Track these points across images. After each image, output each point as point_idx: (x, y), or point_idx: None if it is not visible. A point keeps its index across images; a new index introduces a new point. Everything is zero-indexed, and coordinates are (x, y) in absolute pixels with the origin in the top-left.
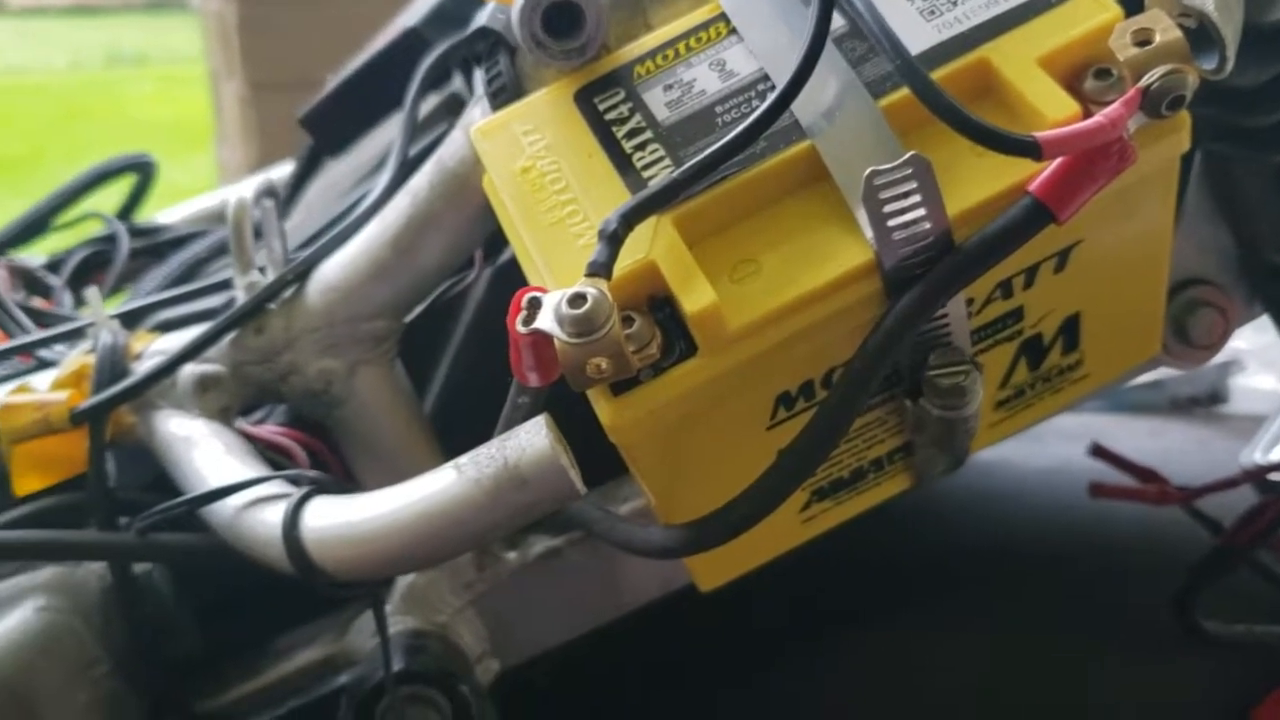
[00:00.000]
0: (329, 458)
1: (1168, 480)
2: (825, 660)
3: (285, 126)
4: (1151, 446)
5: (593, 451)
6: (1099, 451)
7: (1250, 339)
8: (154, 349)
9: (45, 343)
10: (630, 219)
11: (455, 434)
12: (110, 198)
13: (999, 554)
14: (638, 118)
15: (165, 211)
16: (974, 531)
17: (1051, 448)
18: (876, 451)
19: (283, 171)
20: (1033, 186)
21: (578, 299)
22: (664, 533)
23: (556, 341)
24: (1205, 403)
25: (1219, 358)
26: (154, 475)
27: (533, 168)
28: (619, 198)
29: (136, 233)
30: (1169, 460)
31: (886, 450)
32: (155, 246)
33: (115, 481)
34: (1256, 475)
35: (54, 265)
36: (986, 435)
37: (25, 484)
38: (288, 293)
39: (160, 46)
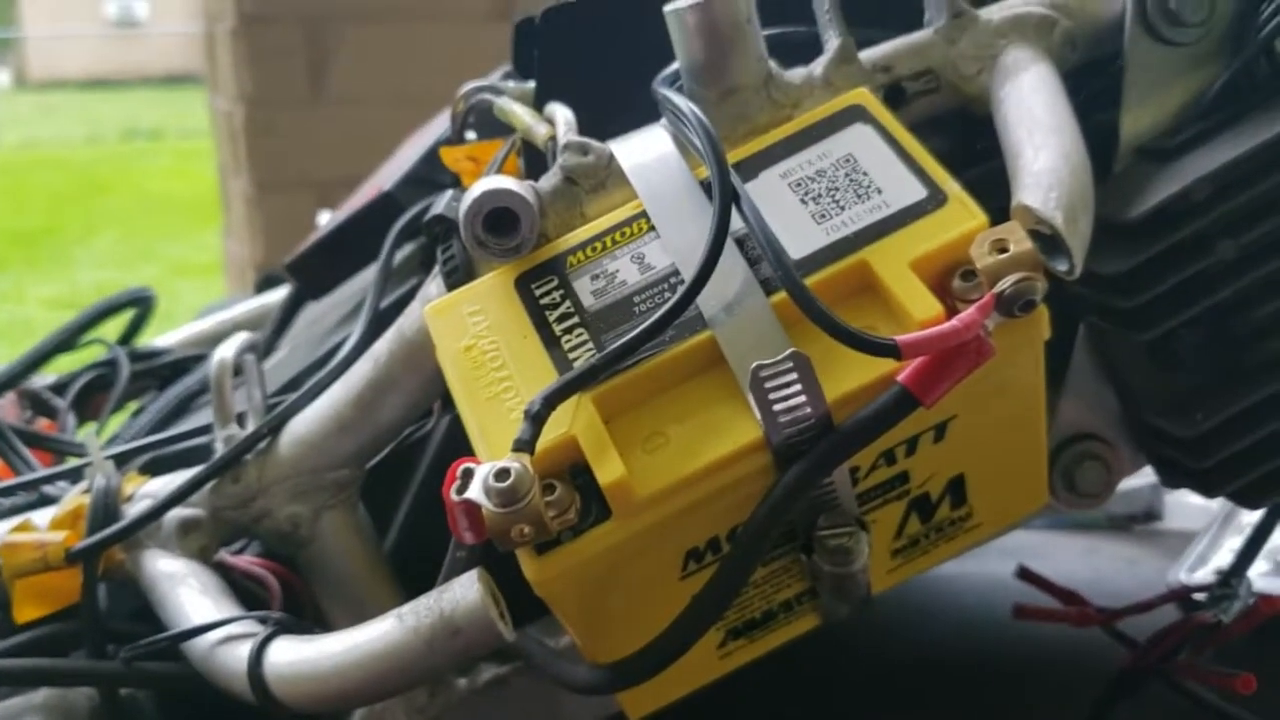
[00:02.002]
0: (299, 585)
1: (1089, 602)
2: None
3: (289, 225)
4: (1083, 565)
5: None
6: (1025, 574)
7: None
8: (143, 492)
9: (47, 480)
10: (552, 400)
11: (413, 567)
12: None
13: (926, 669)
14: (568, 304)
15: (165, 336)
16: (903, 646)
17: (988, 565)
18: (784, 595)
19: (274, 298)
20: (901, 377)
21: (503, 473)
22: (590, 671)
23: (484, 509)
24: (1140, 520)
25: (1152, 478)
26: (139, 604)
27: (475, 346)
28: (548, 376)
29: (136, 357)
30: (1100, 579)
31: (794, 593)
32: (153, 370)
33: (106, 610)
34: (1179, 595)
35: (59, 387)
36: (888, 579)
37: (24, 613)
38: (262, 445)
39: (176, 120)
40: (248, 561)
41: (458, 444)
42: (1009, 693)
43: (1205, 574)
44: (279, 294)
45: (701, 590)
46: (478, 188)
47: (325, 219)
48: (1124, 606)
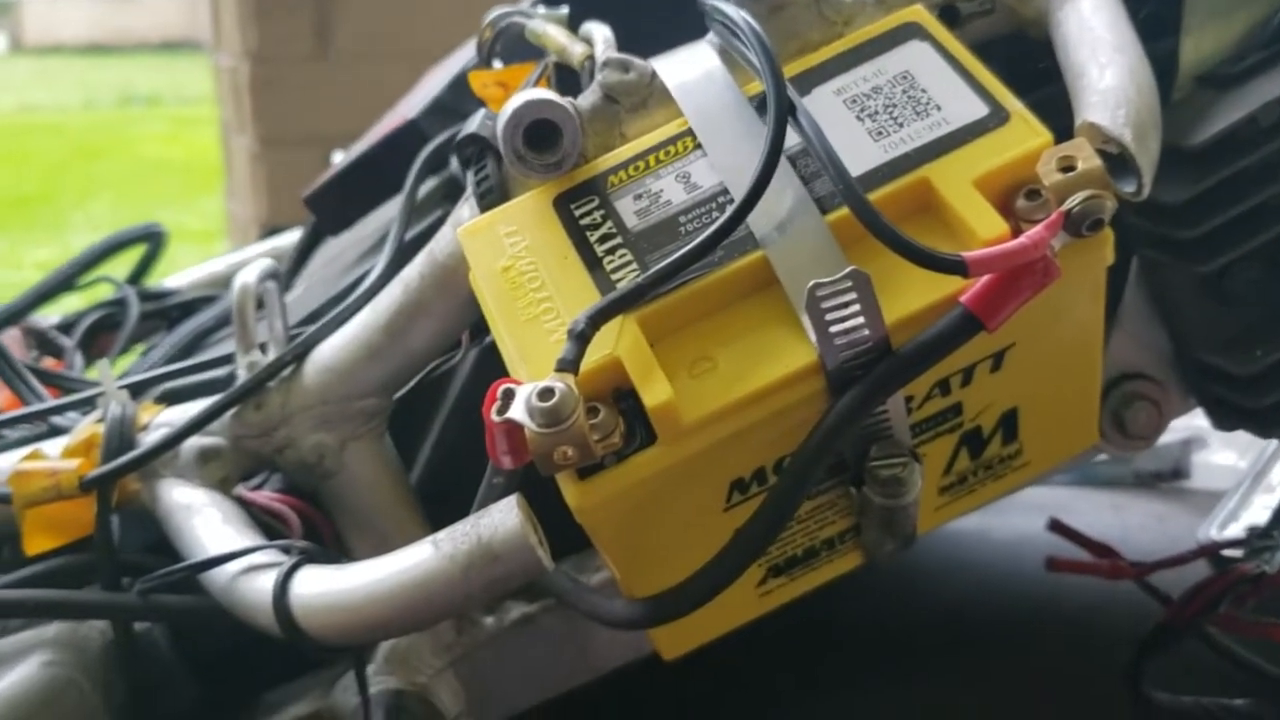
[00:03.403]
0: (320, 522)
1: (1122, 555)
2: None
3: (294, 182)
4: (1112, 521)
5: (566, 524)
6: (1056, 526)
7: None
8: (160, 421)
9: (58, 410)
10: (597, 320)
11: (439, 503)
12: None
13: (956, 624)
14: (609, 224)
15: (174, 276)
16: (933, 601)
17: (1017, 519)
18: (828, 532)
19: (285, 241)
20: (964, 298)
21: (546, 393)
22: (627, 606)
23: (527, 430)
24: (1168, 478)
25: (1182, 435)
26: (155, 538)
27: (513, 267)
28: (589, 298)
29: (146, 297)
30: (1129, 535)
31: (837, 531)
32: (163, 310)
33: (118, 543)
34: (1210, 551)
35: (66, 326)
36: (932, 518)
37: (35, 544)
38: (286, 372)
39: (173, 87)
40: (267, 497)
41: (486, 377)
42: (1040, 647)
43: (1237, 530)
44: (293, 235)
45: (748, 521)
46: (517, 99)
47: (339, 159)
48: (1157, 560)
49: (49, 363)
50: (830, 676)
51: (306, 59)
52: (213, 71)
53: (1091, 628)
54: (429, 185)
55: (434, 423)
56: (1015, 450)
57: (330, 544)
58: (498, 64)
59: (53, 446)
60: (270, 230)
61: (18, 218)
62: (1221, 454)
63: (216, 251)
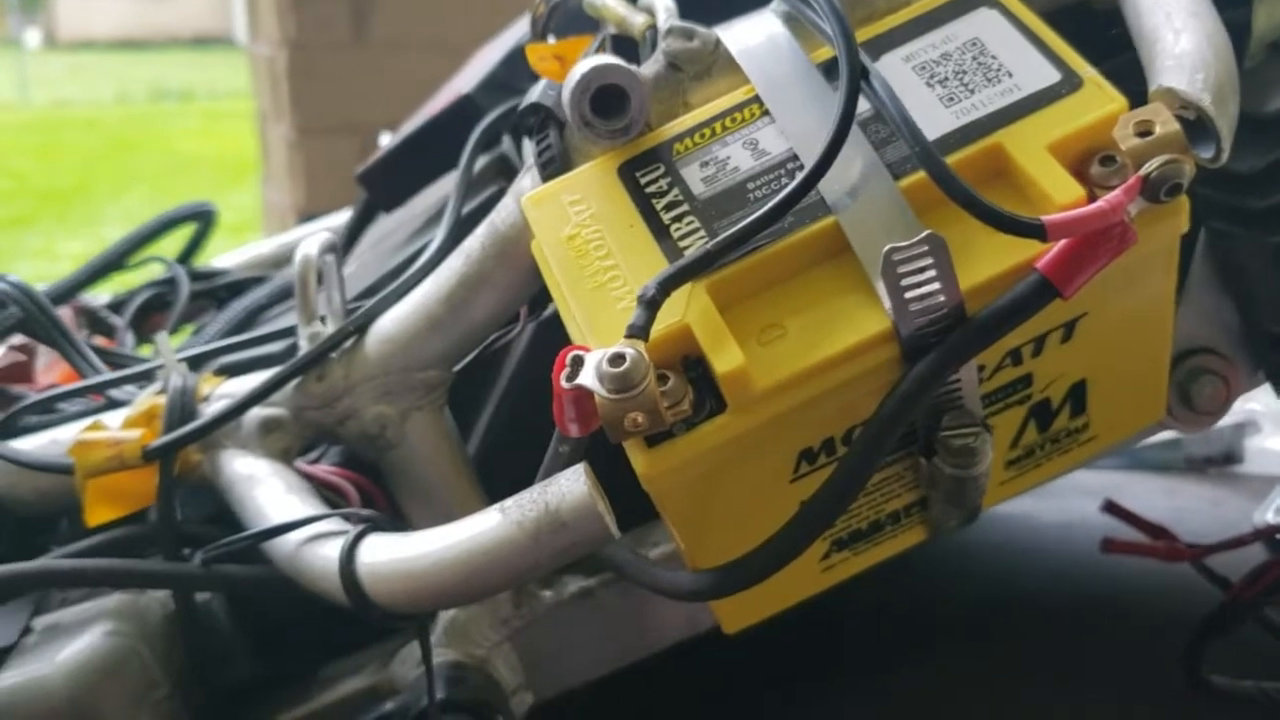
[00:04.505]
0: (377, 496)
1: (1178, 537)
2: (842, 704)
3: (331, 170)
4: (1165, 505)
5: (624, 499)
6: (1112, 508)
7: (1266, 402)
8: (221, 392)
9: (117, 383)
10: (667, 286)
11: (496, 476)
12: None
13: (1014, 606)
14: (676, 191)
15: (222, 256)
16: (988, 583)
17: (1067, 502)
18: (893, 505)
19: (331, 222)
20: (1040, 264)
21: (617, 358)
22: (692, 577)
23: (596, 396)
24: (1220, 463)
25: (1234, 419)
26: (212, 510)
27: (578, 235)
28: (657, 265)
29: (196, 276)
30: (1181, 518)
31: (903, 504)
32: (212, 290)
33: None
34: (1267, 534)
35: (116, 305)
36: (998, 492)
37: (97, 515)
38: (348, 343)
39: (204, 82)
40: (325, 470)
41: (543, 351)
42: (1095, 628)
43: None
44: (342, 216)
45: (820, 488)
46: (584, 65)
47: (387, 140)
48: (1215, 543)
49: (99, 340)
50: (882, 658)
51: (343, 47)
52: (249, 60)
53: (1145, 611)
54: (481, 162)
55: (490, 396)
56: (1083, 423)
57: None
58: (551, 39)
59: (112, 418)
60: (306, 217)
61: (53, 211)
62: (1275, 439)
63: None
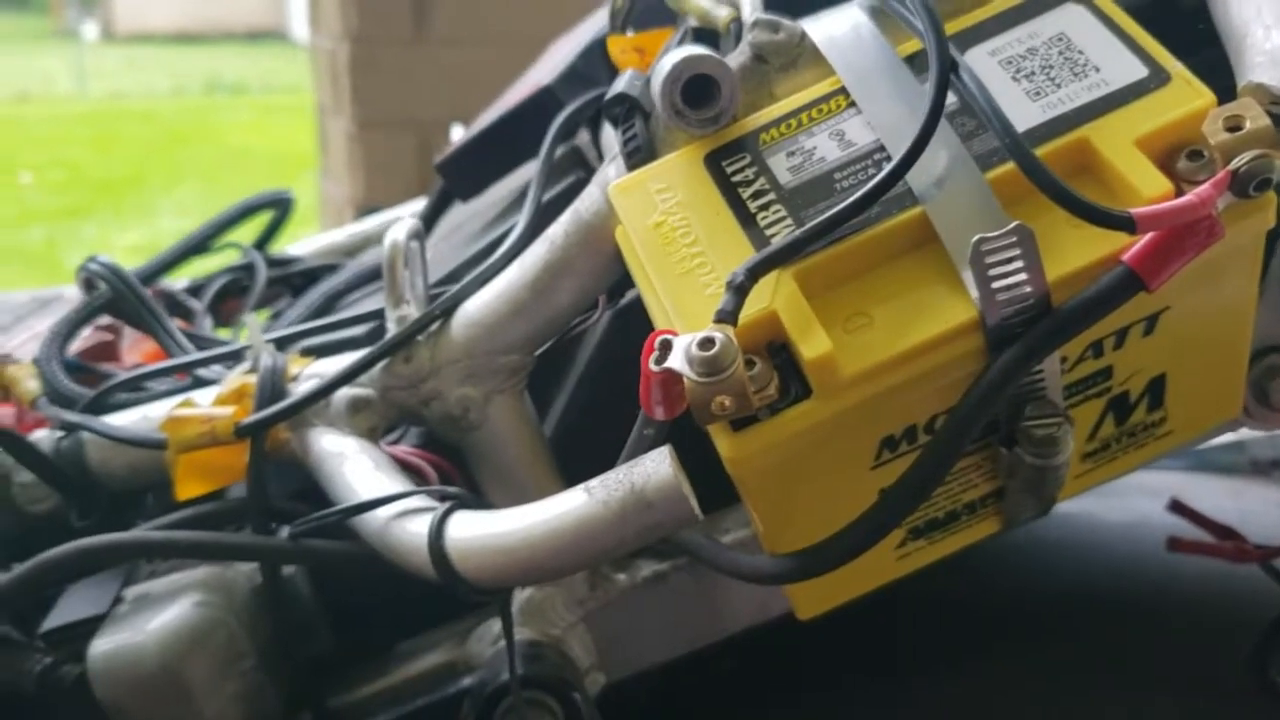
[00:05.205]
0: (456, 477)
1: (1246, 538)
2: (901, 698)
3: (389, 164)
4: (1230, 506)
5: (698, 487)
6: (1178, 508)
7: None
8: (310, 372)
9: (205, 362)
10: (756, 272)
11: (572, 459)
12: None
13: (1076, 604)
14: (762, 180)
15: (296, 244)
16: (1053, 581)
17: (1132, 502)
18: (970, 495)
19: (394, 214)
20: (1126, 257)
21: (707, 342)
22: (772, 561)
23: (685, 380)
24: None
25: None
26: (297, 487)
27: (665, 223)
28: (744, 252)
29: (272, 263)
30: (1247, 520)
31: (980, 495)
32: (287, 277)
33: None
34: None
35: (194, 290)
36: (1073, 485)
37: (188, 489)
38: (434, 326)
39: (258, 75)
40: (405, 451)
41: (621, 337)
42: (1158, 629)
43: None
44: (401, 210)
45: (903, 475)
46: (675, 55)
47: (459, 134)
48: None
49: (178, 324)
50: (938, 653)
51: (404, 42)
52: (310, 53)
53: (1212, 612)
54: (559, 152)
55: (567, 381)
56: (1160, 418)
57: None
58: (630, 32)
59: (201, 396)
60: (367, 210)
61: (108, 201)
62: None
63: (303, 237)
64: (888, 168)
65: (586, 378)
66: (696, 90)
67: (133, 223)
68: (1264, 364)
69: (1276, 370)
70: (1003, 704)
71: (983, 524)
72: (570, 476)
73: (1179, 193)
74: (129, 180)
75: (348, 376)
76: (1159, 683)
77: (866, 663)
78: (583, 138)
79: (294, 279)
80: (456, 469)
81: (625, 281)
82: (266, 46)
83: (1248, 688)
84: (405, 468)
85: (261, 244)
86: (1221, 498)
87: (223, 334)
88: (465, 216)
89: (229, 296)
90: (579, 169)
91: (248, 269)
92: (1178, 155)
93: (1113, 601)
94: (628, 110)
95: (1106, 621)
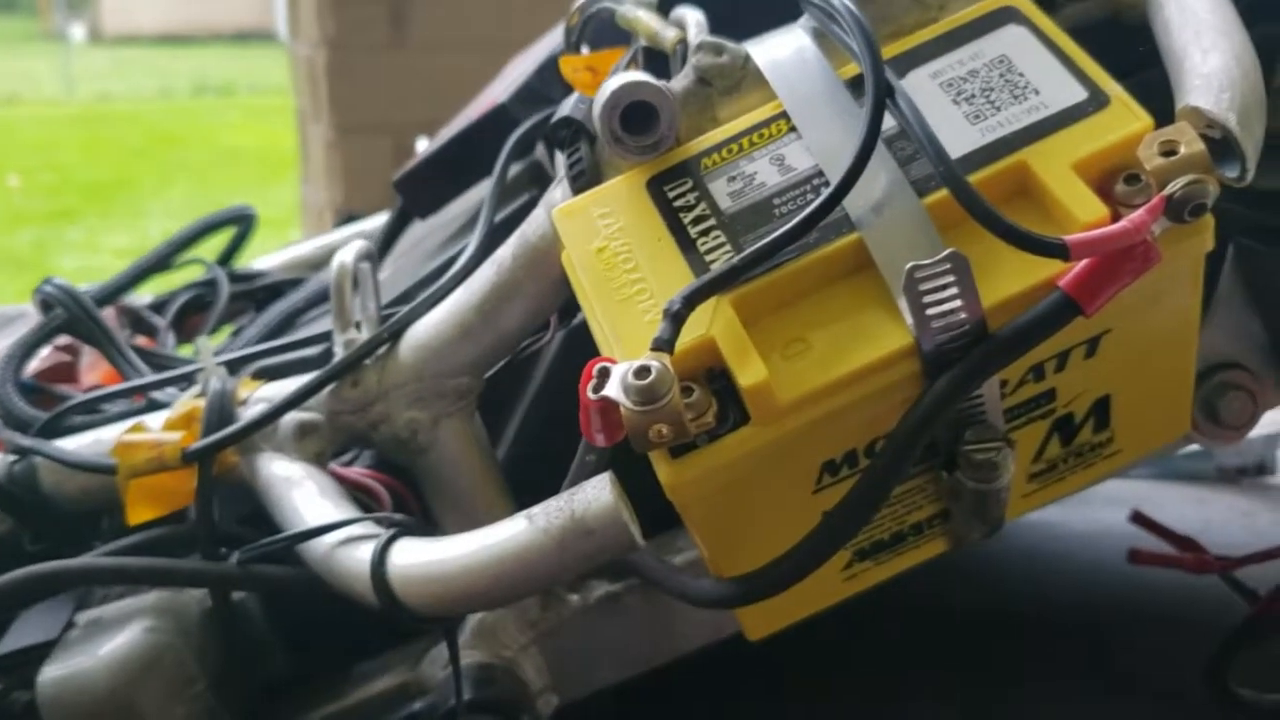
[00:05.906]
0: (408, 498)
1: (1206, 549)
2: (846, 704)
3: (368, 170)
4: (1195, 515)
5: (651, 506)
6: (1139, 519)
7: None
8: (258, 396)
9: (160, 385)
10: (692, 300)
11: (525, 481)
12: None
13: (1036, 614)
14: (703, 205)
15: (261, 258)
16: (1013, 591)
17: (1096, 512)
18: (915, 517)
19: (369, 225)
20: (1062, 282)
21: (643, 371)
22: (716, 585)
23: (622, 408)
24: (1252, 473)
25: (1267, 430)
26: (247, 510)
27: (607, 248)
28: (683, 278)
29: (235, 278)
30: (1211, 529)
31: (925, 516)
32: (251, 292)
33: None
34: None
35: (158, 306)
36: (1021, 505)
37: (138, 514)
38: (382, 349)
39: (246, 77)
40: (358, 473)
41: (573, 359)
42: (1121, 639)
43: None
44: (379, 219)
45: (841, 502)
46: (614, 82)
47: (424, 146)
48: (1244, 555)
49: (141, 341)
50: (899, 660)
51: (382, 47)
52: (289, 59)
53: (1172, 622)
54: (515, 170)
55: (519, 404)
56: (1107, 438)
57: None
58: (584, 50)
59: (153, 420)
60: (346, 216)
61: (95, 204)
62: None
63: (290, 239)
64: (824, 194)
65: (539, 398)
66: (636, 117)
67: (121, 225)
68: (1213, 382)
69: (1226, 387)
70: (959, 714)
71: (930, 544)
72: (525, 498)
73: (1116, 217)
74: (117, 183)
75: (294, 401)
76: (1121, 694)
77: (815, 669)
78: (542, 152)
79: (258, 294)
80: (410, 490)
81: (576, 302)
82: (254, 47)
83: (1208, 698)
84: (358, 489)
85: (225, 259)
86: (1187, 506)
87: (186, 350)
88: (425, 231)
89: (192, 312)
90: (536, 186)
91: (211, 284)
92: (1116, 179)
93: (1077, 612)
94: (573, 134)
95: (1070, 633)
